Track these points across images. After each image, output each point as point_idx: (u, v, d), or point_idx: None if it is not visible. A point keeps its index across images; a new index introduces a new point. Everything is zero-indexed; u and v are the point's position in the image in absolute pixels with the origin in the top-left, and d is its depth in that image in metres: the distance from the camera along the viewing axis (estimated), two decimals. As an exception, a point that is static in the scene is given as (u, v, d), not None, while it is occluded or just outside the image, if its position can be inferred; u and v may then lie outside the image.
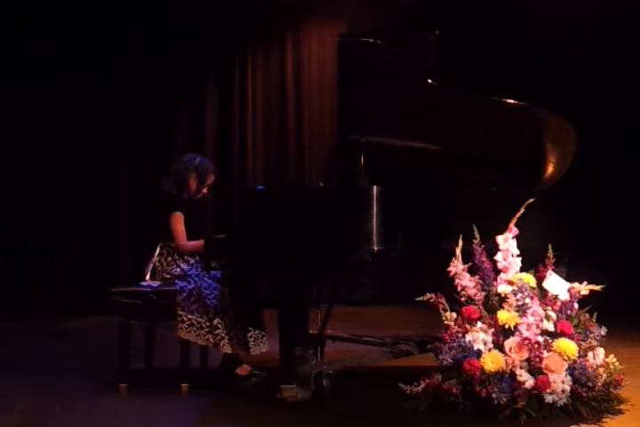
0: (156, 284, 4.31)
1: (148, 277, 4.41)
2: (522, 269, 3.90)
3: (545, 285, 3.87)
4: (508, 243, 3.91)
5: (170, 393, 4.07)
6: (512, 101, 4.35)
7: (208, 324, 4.15)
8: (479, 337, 3.65)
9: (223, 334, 4.15)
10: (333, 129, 6.96)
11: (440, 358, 3.67)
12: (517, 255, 3.91)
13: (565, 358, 3.58)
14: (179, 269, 4.35)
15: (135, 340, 4.30)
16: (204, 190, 4.56)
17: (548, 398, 3.51)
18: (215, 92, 7.57)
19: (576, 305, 3.84)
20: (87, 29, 7.10)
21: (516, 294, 3.72)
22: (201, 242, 4.32)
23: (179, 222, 4.38)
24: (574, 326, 3.75)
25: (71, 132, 7.14)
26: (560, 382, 3.52)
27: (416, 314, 5.78)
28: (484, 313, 3.75)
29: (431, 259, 4.34)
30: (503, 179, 4.35)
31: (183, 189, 4.48)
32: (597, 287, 3.87)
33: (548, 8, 6.57)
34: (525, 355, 3.57)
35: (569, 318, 3.79)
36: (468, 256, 3.89)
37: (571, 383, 3.54)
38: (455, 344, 3.66)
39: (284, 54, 7.64)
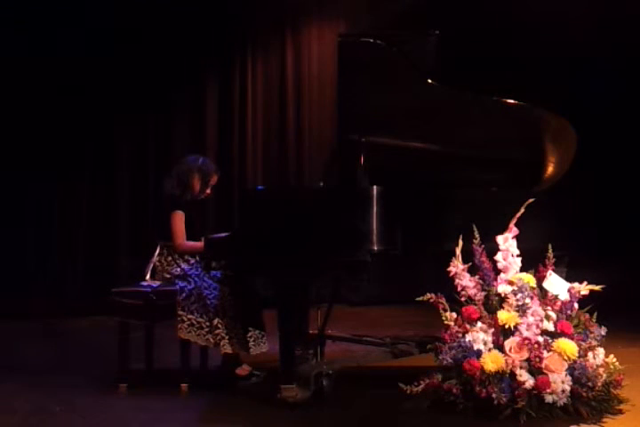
0: (155, 284, 4.31)
1: (148, 277, 4.42)
2: (522, 269, 3.90)
3: (545, 285, 3.87)
4: (508, 243, 3.91)
5: (170, 393, 4.08)
6: (512, 101, 4.36)
7: (208, 324, 4.16)
8: (479, 337, 3.65)
9: (223, 334, 4.15)
10: (333, 129, 6.94)
11: (440, 358, 3.68)
12: (517, 255, 3.91)
13: (565, 358, 3.58)
14: (179, 269, 4.35)
15: (135, 340, 4.31)
16: (208, 191, 4.57)
17: (548, 398, 3.51)
18: (215, 92, 7.56)
19: (576, 305, 3.84)
20: (87, 29, 7.10)
21: (516, 294, 3.72)
22: (200, 243, 4.32)
23: (179, 221, 4.38)
24: (574, 326, 3.75)
25: (71, 132, 7.13)
26: (560, 382, 3.52)
27: (416, 314, 5.78)
28: (484, 313, 3.75)
29: (431, 259, 4.33)
30: (503, 179, 4.35)
31: (186, 189, 4.48)
32: (597, 287, 3.87)
33: (548, 8, 6.57)
34: (525, 355, 3.57)
35: (569, 318, 3.79)
36: (468, 256, 3.89)
37: (571, 383, 3.55)
38: (455, 344, 3.67)
39: (284, 54, 7.63)
